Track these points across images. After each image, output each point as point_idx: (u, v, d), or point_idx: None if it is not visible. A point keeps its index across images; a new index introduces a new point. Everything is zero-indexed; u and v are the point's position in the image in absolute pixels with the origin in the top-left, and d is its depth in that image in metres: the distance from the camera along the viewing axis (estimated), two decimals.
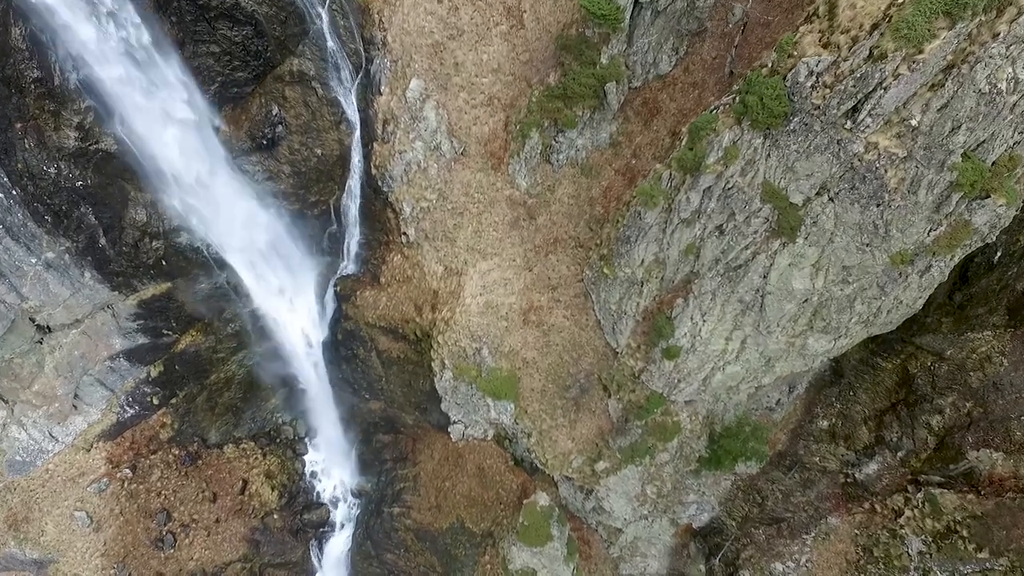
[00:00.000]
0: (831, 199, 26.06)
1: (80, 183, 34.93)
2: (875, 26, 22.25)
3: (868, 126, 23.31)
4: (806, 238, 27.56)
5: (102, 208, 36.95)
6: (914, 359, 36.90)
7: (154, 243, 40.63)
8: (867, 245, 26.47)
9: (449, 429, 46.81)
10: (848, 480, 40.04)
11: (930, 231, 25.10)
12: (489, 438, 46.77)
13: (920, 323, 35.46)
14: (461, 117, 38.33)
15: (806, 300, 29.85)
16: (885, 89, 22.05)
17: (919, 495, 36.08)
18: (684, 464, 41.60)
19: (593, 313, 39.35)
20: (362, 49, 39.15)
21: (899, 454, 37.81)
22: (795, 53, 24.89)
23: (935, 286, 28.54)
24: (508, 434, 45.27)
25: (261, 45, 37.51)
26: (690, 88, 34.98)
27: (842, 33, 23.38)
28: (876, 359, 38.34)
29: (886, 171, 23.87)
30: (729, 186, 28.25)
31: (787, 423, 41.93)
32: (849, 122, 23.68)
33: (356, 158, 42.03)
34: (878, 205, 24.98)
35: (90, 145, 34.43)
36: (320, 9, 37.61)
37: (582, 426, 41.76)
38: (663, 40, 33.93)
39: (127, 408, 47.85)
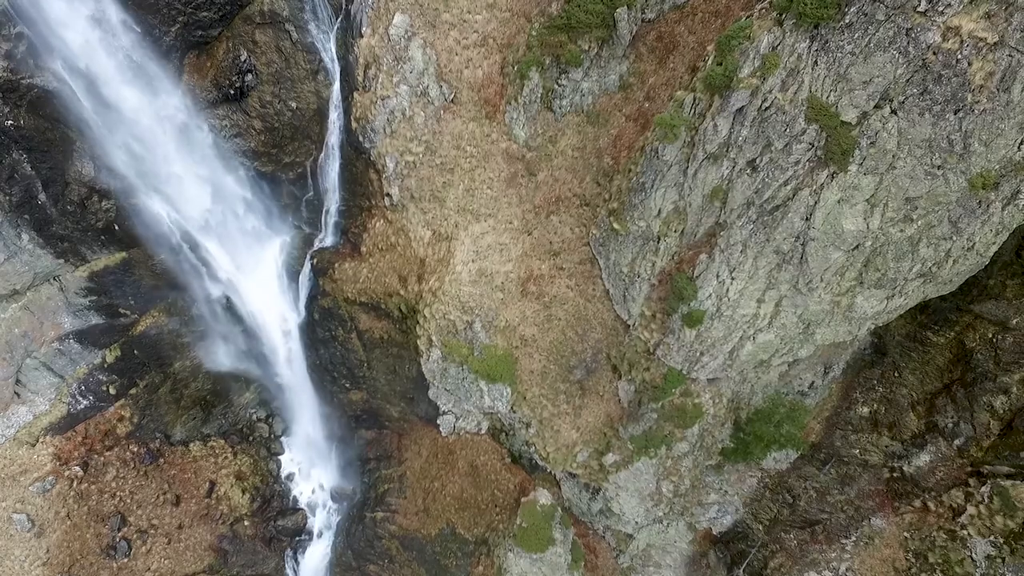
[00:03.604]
0: (894, 111, 21.45)
1: (11, 122, 30.41)
2: None
3: (949, 4, 18.82)
4: (860, 165, 22.87)
5: (40, 156, 32.39)
6: (972, 331, 31.97)
7: (104, 203, 36.02)
8: (939, 168, 21.77)
9: (438, 422, 41.74)
10: (894, 475, 34.83)
11: (1021, 143, 20.42)
12: (483, 431, 41.67)
13: (980, 286, 30.64)
14: (451, 59, 33.96)
15: (857, 246, 25.07)
16: None
17: (984, 489, 30.92)
18: (705, 457, 36.44)
19: (601, 282, 34.55)
20: None
21: (956, 442, 32.69)
22: None
23: (1015, 226, 23.76)
24: (504, 425, 40.16)
25: None
26: (712, 17, 30.52)
27: None
28: (926, 333, 33.37)
29: (970, 63, 19.29)
30: (766, 105, 23.65)
31: (822, 411, 36.84)
32: (924, 2, 19.18)
33: (335, 113, 37.66)
34: (956, 111, 20.34)
35: (22, 79, 29.96)
36: None
37: (588, 413, 36.70)
38: None
39: (79, 398, 42.78)
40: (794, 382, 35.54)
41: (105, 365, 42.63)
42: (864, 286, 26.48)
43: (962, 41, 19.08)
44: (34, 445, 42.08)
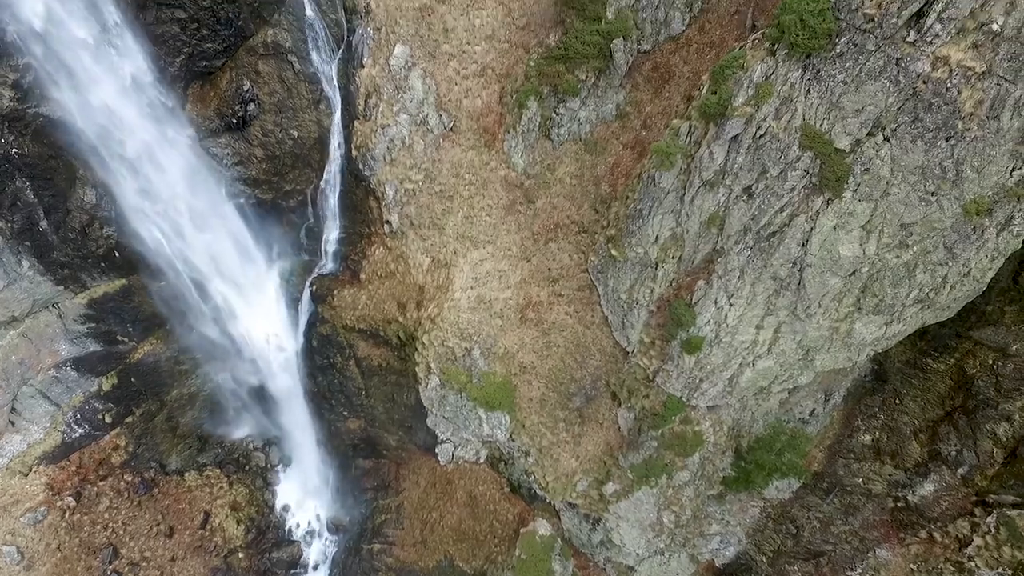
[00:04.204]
0: (887, 138, 21.73)
1: (15, 151, 30.73)
2: None
3: (937, 35, 19.18)
4: (855, 191, 23.09)
5: (43, 184, 32.66)
6: (972, 357, 31.85)
7: (105, 230, 36.20)
8: (933, 194, 21.97)
9: (436, 451, 41.30)
10: (899, 504, 34.33)
11: (1014, 169, 20.63)
12: (482, 460, 41.20)
13: (979, 312, 30.62)
14: (451, 88, 34.53)
15: (854, 272, 25.14)
16: None
17: (990, 519, 30.45)
18: (706, 486, 35.94)
19: (599, 308, 34.55)
20: (344, 20, 35.70)
21: (960, 471, 32.30)
22: None
23: (1010, 252, 23.86)
24: (503, 454, 39.72)
25: (232, 12, 34.01)
26: (707, 49, 31.18)
27: None
28: (926, 360, 33.24)
29: (959, 92, 19.61)
30: (761, 133, 23.97)
31: (823, 438, 36.48)
32: (912, 33, 19.57)
33: (336, 141, 38.09)
34: (948, 139, 20.61)
35: (28, 108, 30.40)
36: None
37: (588, 441, 36.33)
38: None
39: (75, 427, 42.40)
40: (795, 409, 35.27)
41: (101, 393, 42.34)
42: (862, 312, 26.48)
43: (951, 70, 19.44)
44: (27, 475, 41.56)
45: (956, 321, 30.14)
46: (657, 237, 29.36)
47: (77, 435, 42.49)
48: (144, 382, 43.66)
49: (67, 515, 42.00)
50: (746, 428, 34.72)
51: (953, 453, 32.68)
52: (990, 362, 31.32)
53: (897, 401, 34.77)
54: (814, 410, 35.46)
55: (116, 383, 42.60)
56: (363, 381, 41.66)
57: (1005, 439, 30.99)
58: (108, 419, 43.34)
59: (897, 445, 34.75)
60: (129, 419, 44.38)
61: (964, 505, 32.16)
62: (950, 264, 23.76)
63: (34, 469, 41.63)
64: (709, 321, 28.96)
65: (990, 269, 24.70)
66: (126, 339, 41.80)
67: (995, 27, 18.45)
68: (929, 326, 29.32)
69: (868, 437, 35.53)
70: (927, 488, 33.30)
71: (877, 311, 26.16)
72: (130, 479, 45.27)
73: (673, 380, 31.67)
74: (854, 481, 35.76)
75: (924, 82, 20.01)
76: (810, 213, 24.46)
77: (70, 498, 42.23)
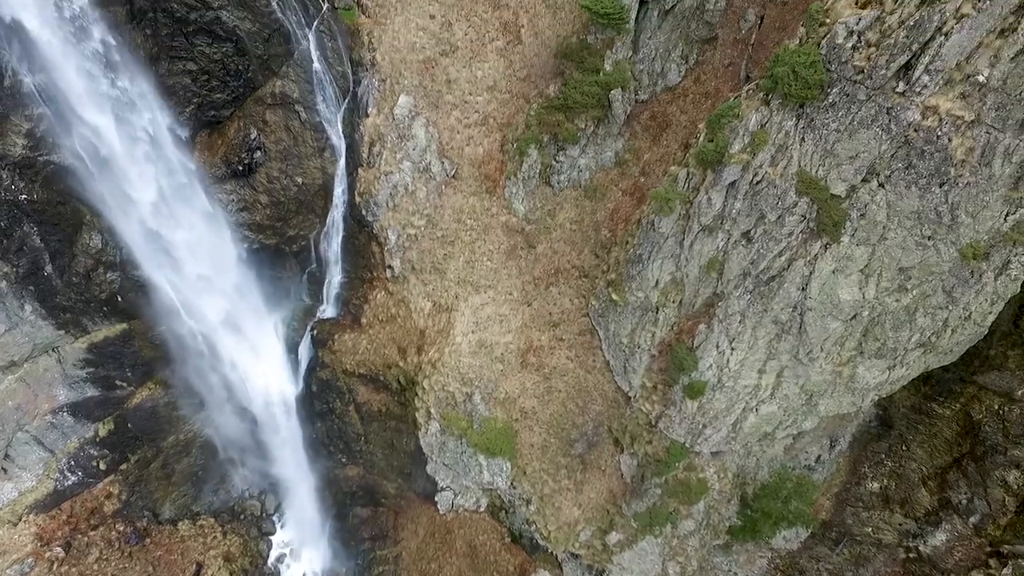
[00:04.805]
0: (881, 184, 22.13)
1: (25, 197, 31.23)
2: None
3: (925, 86, 19.77)
4: (852, 236, 23.37)
5: (50, 229, 33.06)
6: (977, 402, 31.55)
7: (109, 274, 36.43)
8: (929, 238, 22.22)
9: (436, 498, 40.47)
10: (911, 555, 33.41)
11: (1008, 214, 20.94)
12: (482, 509, 40.32)
13: (982, 357, 30.51)
14: (453, 137, 35.37)
15: (855, 316, 25.19)
16: (946, 35, 18.70)
17: (1005, 571, 29.55)
18: (712, 536, 35.06)
19: (601, 353, 34.46)
20: (350, 72, 36.85)
21: (971, 520, 31.56)
22: (828, 21, 21.87)
23: (1009, 295, 23.97)
24: (504, 502, 38.90)
25: (242, 64, 35.13)
26: (702, 99, 32.10)
27: None
28: (931, 405, 32.93)
29: (950, 140, 20.07)
30: (757, 179, 24.42)
31: (830, 486, 35.80)
32: (901, 84, 20.18)
33: (340, 188, 38.78)
34: (942, 185, 20.99)
35: (40, 155, 31.06)
36: (307, 30, 35.61)
37: (590, 489, 35.65)
38: (671, 47, 31.41)
39: (68, 474, 41.66)
40: (800, 456, 34.73)
41: (97, 439, 41.77)
42: (865, 356, 26.40)
43: (941, 119, 19.96)
44: (16, 524, 40.58)
45: (959, 365, 30.03)
46: (657, 281, 29.53)
47: (70, 483, 41.69)
48: (141, 428, 43.11)
49: (55, 567, 40.82)
50: (751, 475, 34.12)
51: (964, 501, 32.01)
52: (996, 407, 31.01)
53: (904, 447, 34.28)
54: (820, 456, 34.92)
55: (112, 429, 42.08)
56: (362, 427, 41.17)
57: (1016, 487, 30.40)
58: (102, 466, 42.61)
59: (906, 493, 34.07)
60: (124, 466, 43.63)
61: (978, 556, 31.31)
62: (950, 308, 23.83)
63: (24, 518, 40.68)
64: (711, 365, 28.85)
65: (990, 313, 24.75)
66: (124, 384, 41.50)
67: (981, 78, 19.04)
68: (933, 370, 29.19)
69: (876, 484, 34.87)
70: (939, 538, 32.48)
71: (879, 355, 26.08)
72: (122, 529, 44.18)
73: (676, 425, 31.32)
74: (864, 530, 34.91)
75: (915, 130, 20.52)
76: (808, 257, 24.67)
77: (59, 549, 41.13)
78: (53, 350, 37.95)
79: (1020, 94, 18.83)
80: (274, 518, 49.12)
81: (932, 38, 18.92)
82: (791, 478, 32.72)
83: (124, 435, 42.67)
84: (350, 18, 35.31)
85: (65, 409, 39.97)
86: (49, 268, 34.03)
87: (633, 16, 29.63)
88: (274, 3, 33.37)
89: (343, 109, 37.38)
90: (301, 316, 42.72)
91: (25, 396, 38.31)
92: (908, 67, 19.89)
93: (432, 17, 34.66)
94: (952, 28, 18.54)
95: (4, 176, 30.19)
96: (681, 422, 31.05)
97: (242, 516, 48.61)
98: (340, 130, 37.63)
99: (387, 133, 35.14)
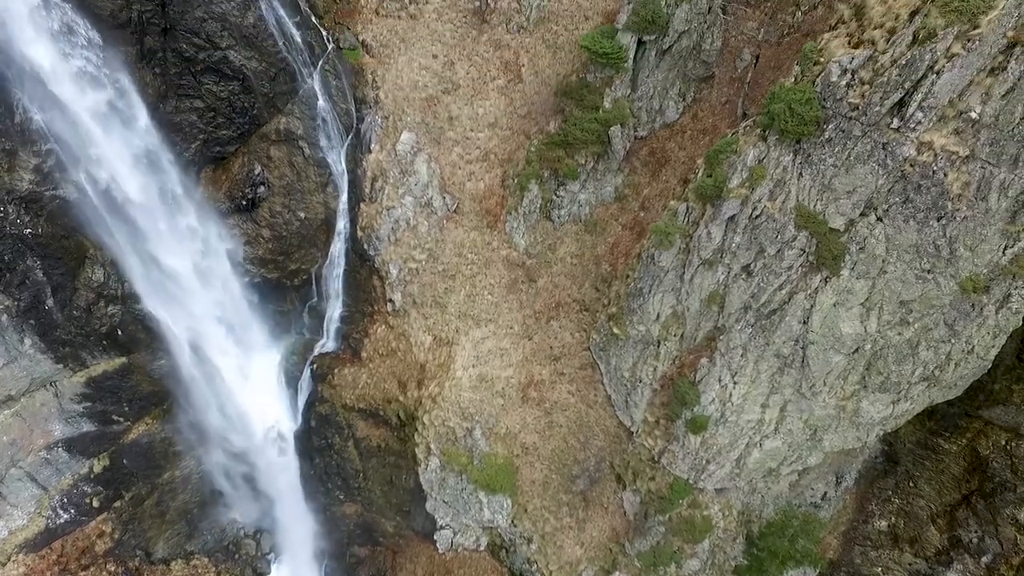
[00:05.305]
0: (879, 218, 22.34)
1: (30, 231, 31.45)
2: (915, 13, 19.86)
3: (919, 123, 20.13)
4: (852, 269, 23.47)
5: (53, 263, 33.18)
6: (984, 437, 31.19)
7: (110, 308, 36.42)
8: (928, 272, 22.31)
9: (435, 537, 39.64)
10: None
11: (1006, 247, 21.07)
12: (482, 548, 39.45)
13: (987, 391, 30.27)
14: (454, 172, 35.84)
15: (857, 349, 25.12)
16: (938, 74, 19.12)
17: None
18: None
19: (602, 387, 34.24)
20: (353, 109, 37.58)
21: (983, 559, 30.86)
22: (822, 59, 22.42)
23: (1011, 329, 23.94)
24: (504, 541, 38.08)
25: (248, 102, 35.86)
26: (700, 135, 32.65)
27: (875, 29, 21.00)
28: (937, 440, 32.54)
29: (946, 174, 20.34)
30: (756, 214, 24.65)
31: (837, 524, 35.11)
32: (896, 120, 20.55)
33: (342, 223, 39.12)
34: (939, 219, 21.18)
35: (46, 190, 31.41)
36: (312, 69, 36.47)
37: (593, 527, 34.96)
38: (669, 85, 32.09)
39: (60, 512, 40.89)
40: (806, 493, 34.17)
41: (92, 476, 41.11)
42: (868, 390, 26.22)
43: (936, 154, 20.26)
44: (4, 564, 39.64)
45: (964, 400, 29.77)
46: (658, 315, 29.53)
47: (62, 521, 40.88)
48: (136, 464, 42.49)
49: None
50: (756, 512, 33.50)
51: (975, 540, 31.36)
52: (1003, 443, 30.65)
53: (911, 484, 33.74)
54: (826, 493, 34.34)
55: (108, 465, 41.47)
56: (361, 463, 40.61)
57: None
58: (96, 503, 41.84)
59: (915, 531, 33.40)
60: (118, 503, 42.84)
61: None
62: (953, 341, 23.77)
63: (13, 558, 39.74)
64: (714, 399, 28.62)
65: (993, 346, 24.68)
66: (121, 419, 41.07)
67: (973, 115, 19.41)
68: (937, 405, 28.94)
69: (884, 523, 34.21)
70: None
71: (883, 389, 25.90)
72: (113, 569, 43.16)
73: (679, 461, 30.91)
74: (873, 571, 34.12)
75: (911, 165, 20.81)
76: (809, 291, 24.73)
77: None
78: (51, 384, 37.65)
79: (1013, 130, 19.17)
80: (269, 557, 47.99)
81: (924, 76, 19.34)
82: (797, 516, 32.13)
83: (119, 471, 42.03)
84: (355, 58, 36.16)
85: (60, 445, 39.45)
86: (50, 302, 34.02)
87: (631, 56, 30.32)
88: (281, 43, 34.24)
89: (346, 145, 38.00)
90: (301, 350, 42.56)
91: (20, 431, 37.85)
92: (902, 104, 20.28)
93: (435, 57, 35.50)
94: (943, 67, 18.98)
95: (10, 210, 30.45)
96: (684, 458, 30.66)
97: (237, 556, 47.51)
98: (343, 166, 38.17)
99: (389, 168, 35.62)
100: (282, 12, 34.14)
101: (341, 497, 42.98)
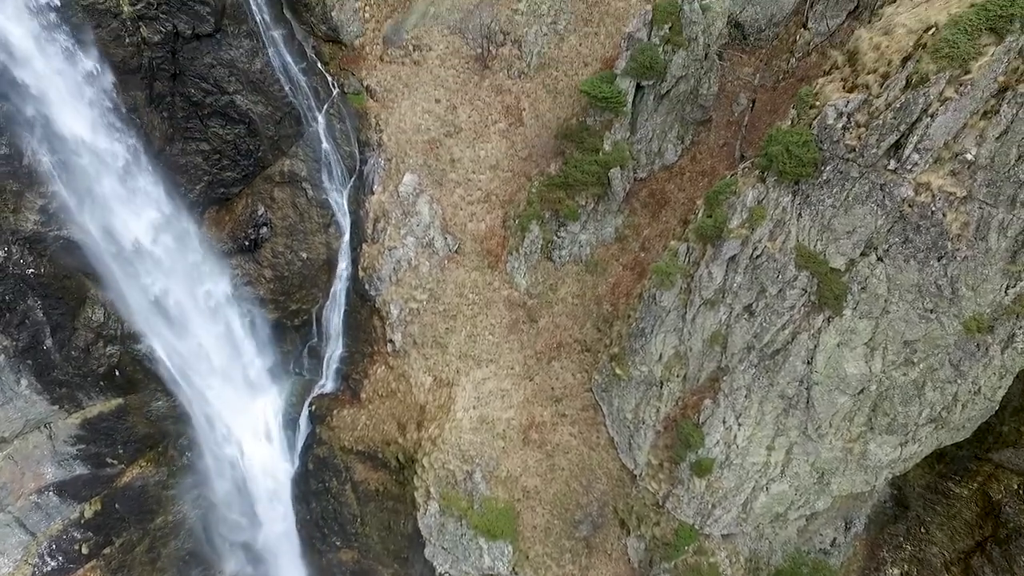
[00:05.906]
0: (880, 258, 22.39)
1: (32, 271, 31.51)
2: (907, 58, 20.31)
3: (916, 164, 20.39)
4: (855, 309, 23.41)
5: (54, 303, 33.13)
6: (995, 481, 30.54)
7: (108, 348, 36.20)
8: (931, 312, 22.24)
9: None
10: None
11: (1008, 287, 21.05)
12: None
13: (996, 433, 29.80)
14: (456, 213, 36.16)
15: (862, 390, 24.84)
16: (932, 117, 19.45)
17: None
18: None
19: (605, 429, 33.74)
20: (357, 151, 38.22)
21: None
22: (817, 103, 22.86)
23: (1017, 369, 23.72)
24: None
25: (253, 144, 36.47)
26: (699, 177, 33.09)
27: (868, 74, 21.46)
28: (947, 484, 31.86)
29: (944, 215, 20.48)
30: (757, 254, 24.74)
31: (848, 571, 34.06)
32: (892, 161, 20.81)
33: (343, 263, 39.28)
34: (940, 258, 21.23)
35: (51, 231, 31.60)
36: (317, 112, 37.22)
37: (596, 575, 33.89)
38: (667, 128, 32.67)
39: (48, 559, 39.78)
40: (815, 539, 33.25)
41: (82, 521, 40.13)
42: (875, 432, 25.82)
43: (934, 195, 20.45)
44: None
45: (973, 442, 29.29)
46: (661, 355, 29.32)
47: (49, 568, 39.72)
48: (129, 508, 41.53)
49: None
50: (764, 559, 32.53)
51: None
52: (1015, 487, 30.00)
53: (923, 530, 32.89)
54: (835, 539, 33.43)
55: (99, 510, 40.51)
56: (359, 507, 39.68)
57: None
58: (85, 550, 40.71)
59: None
60: (107, 550, 41.69)
61: None
62: (959, 382, 23.53)
63: None
64: (718, 442, 28.16)
65: (1000, 387, 24.42)
66: (115, 461, 40.32)
67: (969, 156, 19.67)
68: (946, 448, 28.46)
69: (896, 571, 33.22)
70: None
71: (890, 431, 25.50)
72: None
73: (684, 506, 30.20)
74: None
75: (909, 206, 20.98)
76: (812, 331, 24.61)
77: None
78: (45, 426, 37.10)
79: (1008, 171, 19.40)
80: None
81: (919, 119, 19.68)
82: (807, 563, 31.21)
83: (110, 516, 41.04)
84: (359, 102, 36.93)
85: (51, 489, 38.62)
86: (49, 342, 33.84)
87: (630, 100, 30.94)
88: (287, 88, 35.01)
89: (349, 187, 38.46)
90: (300, 391, 42.12)
91: (11, 474, 37.10)
92: (898, 146, 20.57)
93: (437, 101, 36.26)
94: (937, 110, 19.32)
95: (14, 250, 30.59)
96: (689, 502, 29.97)
97: None
98: (345, 207, 38.55)
99: (391, 210, 35.94)
100: (288, 58, 35.03)
101: (337, 543, 41.83)
